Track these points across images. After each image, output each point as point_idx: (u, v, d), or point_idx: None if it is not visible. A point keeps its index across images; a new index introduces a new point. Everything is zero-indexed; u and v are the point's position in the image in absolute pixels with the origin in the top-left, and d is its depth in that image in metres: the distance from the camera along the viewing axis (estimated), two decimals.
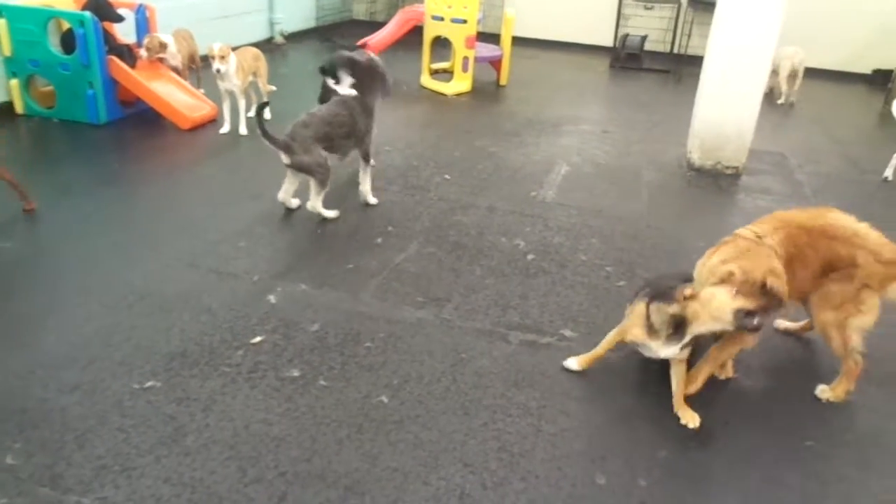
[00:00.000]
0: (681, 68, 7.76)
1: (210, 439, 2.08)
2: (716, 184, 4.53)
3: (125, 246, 3.25)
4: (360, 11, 9.65)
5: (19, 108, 4.82)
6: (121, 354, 2.43)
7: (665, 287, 2.24)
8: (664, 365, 2.37)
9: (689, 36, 7.94)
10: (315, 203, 3.53)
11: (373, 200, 3.80)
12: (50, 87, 4.82)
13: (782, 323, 2.87)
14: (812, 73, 6.80)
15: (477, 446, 2.13)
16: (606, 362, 2.56)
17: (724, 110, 4.54)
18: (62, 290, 2.83)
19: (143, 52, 4.89)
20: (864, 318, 2.36)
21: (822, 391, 2.47)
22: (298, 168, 3.47)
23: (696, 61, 6.51)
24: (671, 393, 2.35)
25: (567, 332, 2.74)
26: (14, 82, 4.74)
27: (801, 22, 6.60)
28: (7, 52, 4.63)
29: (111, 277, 2.93)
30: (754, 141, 4.64)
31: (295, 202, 3.67)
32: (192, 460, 2.00)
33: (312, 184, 3.50)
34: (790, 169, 4.88)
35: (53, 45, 4.66)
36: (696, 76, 4.81)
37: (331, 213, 3.59)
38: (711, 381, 2.47)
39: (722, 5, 4.37)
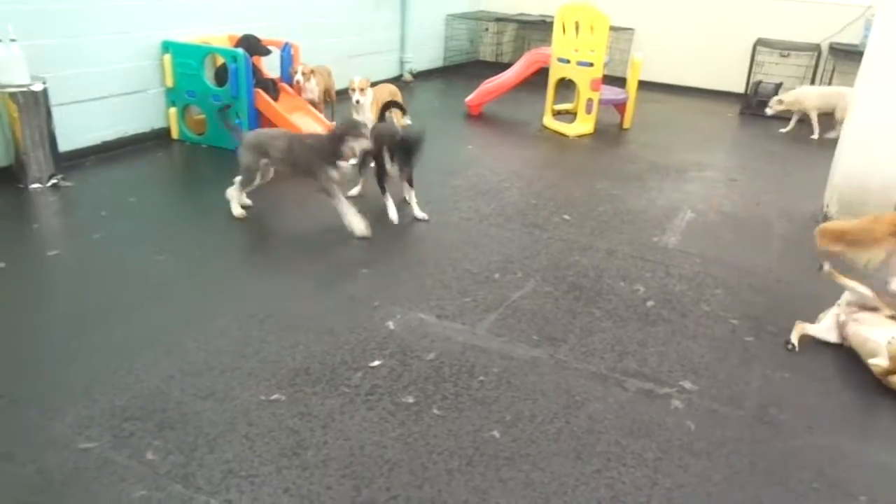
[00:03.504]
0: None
1: (328, 456, 2.16)
2: None
3: (259, 265, 3.49)
4: (486, 53, 9.91)
5: (175, 133, 5.30)
6: (250, 366, 2.59)
7: None
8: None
9: (830, 84, 7.54)
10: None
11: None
12: (202, 116, 5.28)
13: None
14: None
15: (589, 493, 2.08)
16: (727, 418, 2.44)
17: (870, 163, 4.25)
18: (203, 302, 3.06)
19: (299, 77, 5.40)
20: None
21: None
22: None
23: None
24: (790, 456, 2.19)
25: (687, 385, 2.64)
26: (173, 110, 5.23)
27: None
28: (169, 83, 5.12)
29: (245, 294, 3.13)
30: None
31: None
32: (311, 474, 2.08)
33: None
34: None
35: (208, 77, 5.11)
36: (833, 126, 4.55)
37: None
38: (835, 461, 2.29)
39: (871, 54, 4.13)
